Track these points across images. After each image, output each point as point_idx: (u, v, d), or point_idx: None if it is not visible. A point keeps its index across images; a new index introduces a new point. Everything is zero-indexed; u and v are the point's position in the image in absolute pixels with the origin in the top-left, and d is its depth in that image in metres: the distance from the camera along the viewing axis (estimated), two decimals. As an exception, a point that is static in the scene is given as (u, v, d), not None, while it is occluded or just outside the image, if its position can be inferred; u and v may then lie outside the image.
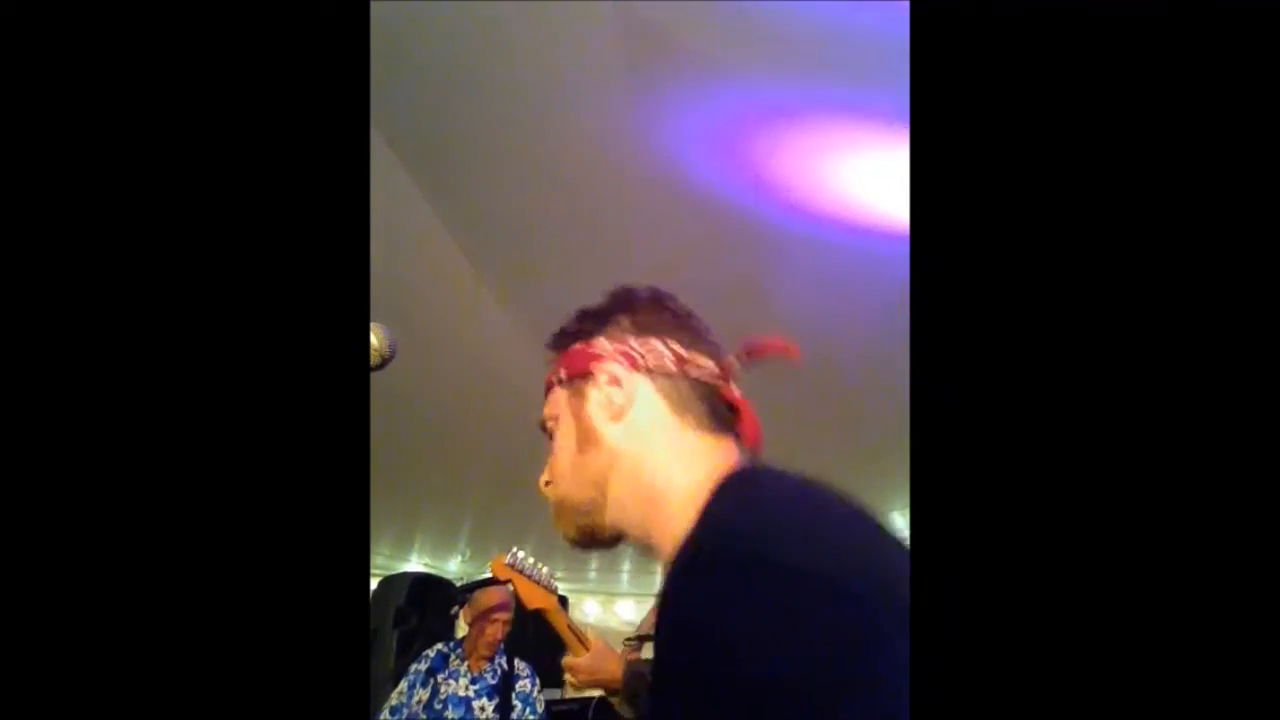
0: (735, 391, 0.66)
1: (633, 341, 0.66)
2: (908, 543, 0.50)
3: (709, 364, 0.66)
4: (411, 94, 2.30)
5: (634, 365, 0.65)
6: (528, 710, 2.37)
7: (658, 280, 0.71)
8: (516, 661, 2.38)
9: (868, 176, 2.50)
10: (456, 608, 2.49)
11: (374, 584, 3.91)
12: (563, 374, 0.68)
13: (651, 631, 0.54)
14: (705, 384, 0.65)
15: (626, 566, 7.49)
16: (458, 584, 4.70)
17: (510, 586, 1.57)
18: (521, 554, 1.57)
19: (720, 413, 0.65)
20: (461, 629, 2.66)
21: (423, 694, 2.39)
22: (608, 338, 0.67)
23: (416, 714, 2.34)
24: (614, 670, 1.41)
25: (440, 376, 3.60)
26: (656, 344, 0.65)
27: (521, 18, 2.05)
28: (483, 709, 2.38)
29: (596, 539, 0.66)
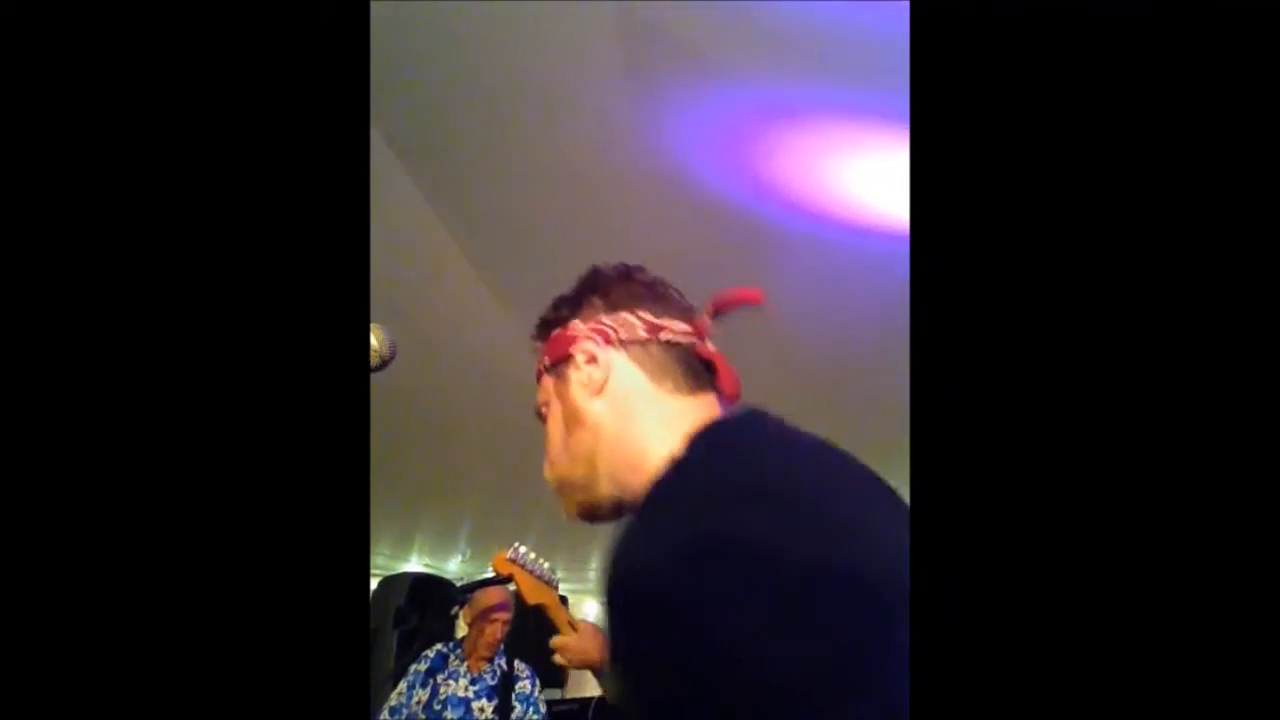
0: (710, 348, 0.68)
1: (604, 318, 0.68)
2: (880, 475, 0.53)
3: (682, 325, 0.67)
4: (411, 94, 2.30)
5: (607, 340, 0.67)
6: (528, 710, 2.37)
7: (658, 280, 0.72)
8: (516, 662, 2.38)
9: (868, 176, 2.49)
10: (456, 608, 2.50)
11: (374, 584, 3.91)
12: (546, 361, 0.70)
13: None
14: (680, 345, 0.67)
15: (627, 566, 7.46)
16: (458, 584, 4.70)
17: (511, 583, 1.57)
18: (523, 549, 1.58)
19: (697, 371, 0.67)
20: (461, 629, 2.66)
21: (422, 694, 2.39)
22: (582, 319, 0.69)
23: (416, 714, 2.34)
24: (604, 650, 1.41)
25: (440, 376, 3.60)
26: (627, 316, 0.67)
27: (521, 18, 2.05)
28: (482, 709, 2.38)
29: (598, 513, 0.67)
